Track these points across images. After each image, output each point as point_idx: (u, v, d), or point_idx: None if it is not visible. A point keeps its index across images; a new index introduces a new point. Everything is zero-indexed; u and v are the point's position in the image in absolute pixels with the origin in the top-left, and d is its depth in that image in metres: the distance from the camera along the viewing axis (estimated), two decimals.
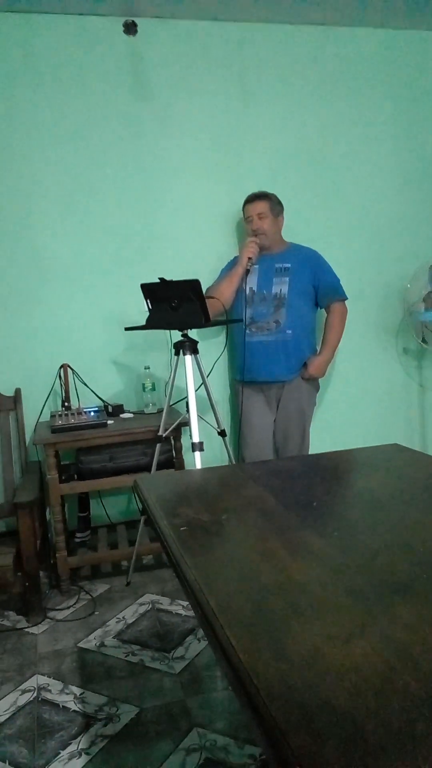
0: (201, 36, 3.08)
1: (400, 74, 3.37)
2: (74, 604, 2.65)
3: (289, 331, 2.86)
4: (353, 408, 3.47)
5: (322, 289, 2.95)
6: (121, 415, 2.96)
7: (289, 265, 2.90)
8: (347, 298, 3.01)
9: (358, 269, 3.39)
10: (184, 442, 2.85)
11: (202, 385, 2.67)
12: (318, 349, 3.03)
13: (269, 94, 3.20)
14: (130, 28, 2.95)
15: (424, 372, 3.59)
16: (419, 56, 3.38)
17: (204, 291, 2.44)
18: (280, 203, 2.95)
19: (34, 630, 2.45)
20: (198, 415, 2.51)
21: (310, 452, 3.03)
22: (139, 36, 2.99)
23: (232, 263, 3.00)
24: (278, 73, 3.20)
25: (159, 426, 2.65)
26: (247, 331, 2.89)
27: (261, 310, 2.88)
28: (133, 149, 3.06)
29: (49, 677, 2.11)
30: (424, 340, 3.29)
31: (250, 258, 2.82)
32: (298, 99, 3.24)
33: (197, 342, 2.58)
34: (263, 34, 3.15)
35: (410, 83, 3.39)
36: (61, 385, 2.99)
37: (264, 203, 2.89)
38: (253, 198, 2.92)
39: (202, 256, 3.16)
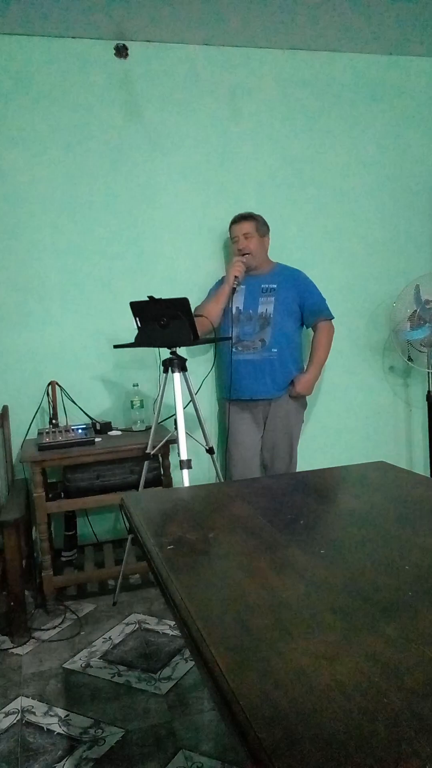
0: (191, 59, 3.13)
1: (387, 97, 3.44)
2: (60, 624, 2.61)
3: (275, 350, 2.88)
4: (340, 426, 3.49)
5: (308, 309, 2.99)
6: (109, 433, 2.96)
7: (275, 286, 2.93)
8: (333, 318, 3.04)
9: (345, 288, 3.43)
10: (172, 459, 2.84)
11: (191, 403, 2.67)
12: (304, 368, 3.05)
13: (258, 117, 3.26)
14: (121, 52, 3.01)
15: (410, 390, 3.62)
16: (405, 80, 3.46)
17: (192, 309, 2.46)
18: (266, 224, 2.98)
19: (18, 650, 2.41)
20: (186, 433, 2.51)
21: (297, 470, 3.03)
22: (130, 59, 3.04)
23: (220, 283, 3.02)
24: (267, 96, 3.26)
25: (147, 443, 2.65)
26: (234, 350, 2.90)
27: (247, 329, 2.91)
28: (124, 169, 3.10)
29: (34, 699, 2.08)
30: (410, 359, 3.32)
31: (236, 277, 2.85)
32: (287, 121, 3.30)
33: (186, 359, 2.59)
34: (253, 58, 3.21)
35: (397, 106, 3.46)
36: (48, 402, 2.98)
37: (250, 223, 2.93)
38: (239, 219, 2.95)
39: (191, 274, 3.18)
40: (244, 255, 2.91)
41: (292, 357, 2.97)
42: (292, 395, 2.94)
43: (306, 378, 2.96)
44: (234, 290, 2.88)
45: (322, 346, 3.01)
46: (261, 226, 2.96)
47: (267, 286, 2.93)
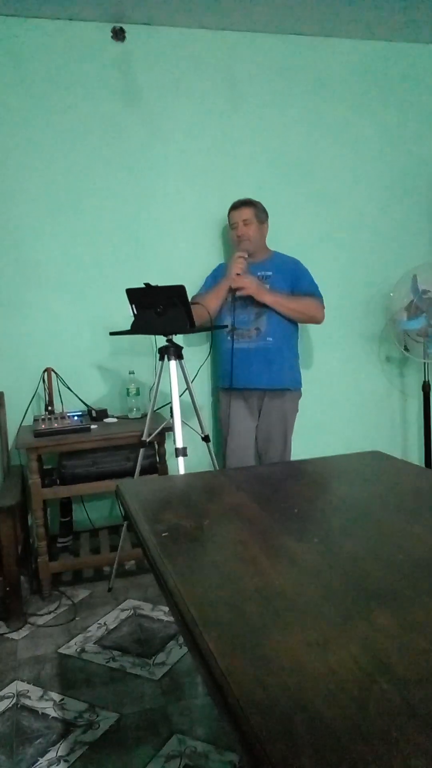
0: (190, 43, 3.09)
1: (388, 85, 3.41)
2: (55, 609, 2.63)
3: (270, 339, 2.87)
4: (335, 415, 3.50)
5: (298, 292, 2.92)
6: (105, 420, 2.96)
7: (270, 274, 2.91)
8: (323, 306, 2.96)
9: (342, 277, 3.42)
10: (168, 447, 2.85)
11: (186, 391, 2.67)
12: (299, 358, 3.04)
13: (258, 102, 3.23)
14: (119, 35, 2.97)
15: (405, 380, 3.63)
16: (407, 67, 3.43)
17: (190, 298, 2.44)
18: (265, 211, 2.96)
19: (14, 635, 2.43)
20: (182, 421, 2.51)
21: (292, 458, 3.04)
22: (128, 42, 3.01)
23: (218, 271, 3.00)
24: (267, 81, 3.23)
25: (143, 431, 2.65)
26: (229, 338, 2.89)
27: (242, 317, 2.88)
28: (121, 154, 3.07)
29: (29, 683, 2.10)
30: (406, 348, 3.32)
31: (238, 274, 2.79)
32: (287, 107, 3.27)
33: (182, 347, 2.58)
34: (252, 43, 3.18)
35: (398, 94, 3.43)
36: (44, 389, 2.98)
37: (249, 210, 2.90)
38: (238, 204, 2.93)
39: (188, 261, 3.17)
40: (244, 247, 2.86)
41: (288, 346, 2.95)
42: (232, 285, 2.81)
43: (258, 281, 2.83)
44: (234, 292, 2.82)
45: (298, 299, 2.90)
46: (260, 212, 2.93)
47: (263, 274, 2.91)
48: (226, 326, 2.86)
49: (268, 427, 2.96)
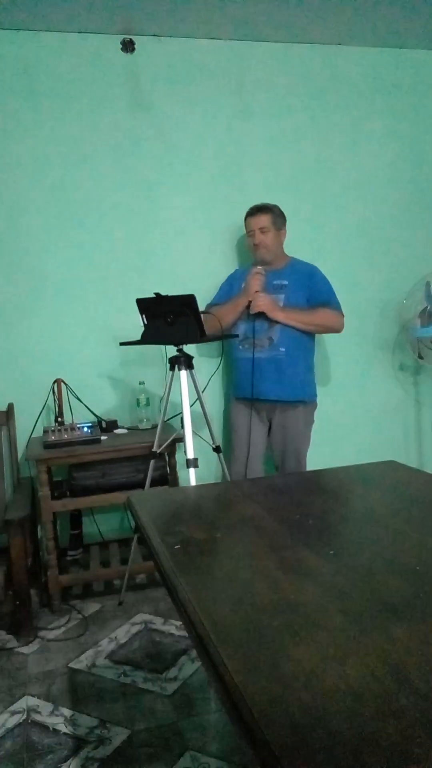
0: (198, 54, 3.11)
1: (396, 91, 3.41)
2: (65, 623, 2.60)
3: (282, 349, 2.81)
4: (349, 424, 3.46)
5: (314, 301, 2.87)
6: (115, 431, 2.94)
7: (286, 283, 2.86)
8: (342, 315, 2.94)
9: (355, 285, 3.40)
10: (179, 458, 2.83)
11: (197, 401, 2.65)
12: (313, 371, 2.97)
13: (267, 111, 3.24)
14: (128, 46, 3.00)
15: (420, 388, 3.59)
16: (414, 74, 3.42)
17: (206, 306, 2.40)
18: (282, 215, 2.90)
19: (24, 650, 2.40)
20: (193, 431, 2.50)
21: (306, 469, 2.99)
22: (137, 53, 3.03)
23: (233, 277, 2.98)
24: (275, 90, 3.24)
25: (153, 442, 2.63)
26: (240, 347, 2.86)
27: (256, 326, 2.83)
28: (131, 165, 3.08)
29: (39, 698, 2.07)
30: (420, 356, 3.29)
31: (257, 291, 2.74)
32: (296, 115, 3.28)
33: (192, 357, 2.57)
34: (260, 52, 3.19)
35: (405, 100, 3.42)
36: (54, 400, 2.97)
37: (266, 216, 2.84)
38: (255, 211, 2.86)
39: (199, 271, 3.16)
40: (261, 256, 2.83)
41: (302, 358, 2.88)
42: (251, 310, 2.76)
43: (272, 300, 2.78)
44: (248, 306, 2.79)
45: (313, 312, 2.84)
46: (277, 218, 2.87)
47: (279, 282, 2.85)
48: (237, 336, 2.83)
49: (283, 440, 2.89)
